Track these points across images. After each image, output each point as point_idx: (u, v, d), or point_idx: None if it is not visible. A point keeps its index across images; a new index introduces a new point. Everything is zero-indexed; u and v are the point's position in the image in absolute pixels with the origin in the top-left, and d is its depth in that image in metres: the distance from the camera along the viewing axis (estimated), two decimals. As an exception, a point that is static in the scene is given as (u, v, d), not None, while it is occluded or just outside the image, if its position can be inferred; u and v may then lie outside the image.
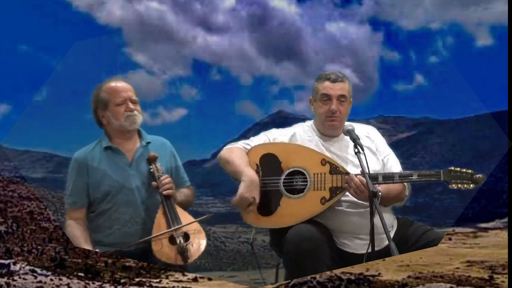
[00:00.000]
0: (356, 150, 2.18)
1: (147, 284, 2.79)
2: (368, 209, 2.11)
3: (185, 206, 2.55)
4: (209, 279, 2.95)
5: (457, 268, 3.13)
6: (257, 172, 2.37)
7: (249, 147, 2.44)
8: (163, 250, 2.35)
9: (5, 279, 2.59)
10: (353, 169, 2.28)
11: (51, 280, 2.68)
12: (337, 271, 2.61)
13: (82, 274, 2.87)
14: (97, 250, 2.44)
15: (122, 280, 2.82)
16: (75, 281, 2.70)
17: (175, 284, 2.80)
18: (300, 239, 2.16)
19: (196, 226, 2.44)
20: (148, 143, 2.58)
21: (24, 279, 2.66)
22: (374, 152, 2.41)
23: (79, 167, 2.50)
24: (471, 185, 2.18)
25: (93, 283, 2.70)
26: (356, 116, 2.45)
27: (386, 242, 2.13)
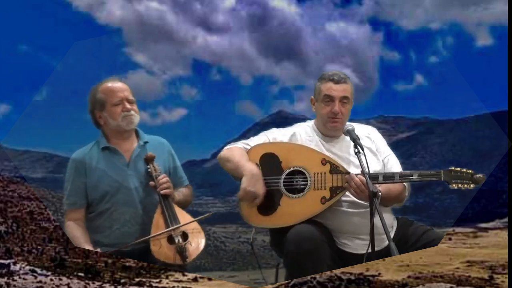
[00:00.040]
0: (356, 150, 2.19)
1: (147, 284, 2.78)
2: (369, 209, 2.11)
3: (184, 205, 2.56)
4: (209, 279, 2.95)
5: (457, 268, 3.13)
6: None
7: (249, 147, 2.44)
8: (162, 250, 2.35)
9: (5, 279, 2.59)
10: (354, 170, 2.28)
11: (51, 280, 2.68)
12: (337, 271, 2.61)
13: (82, 274, 2.87)
14: (98, 250, 2.43)
15: (122, 280, 2.82)
16: (75, 281, 2.69)
17: (175, 284, 2.80)
18: (300, 239, 2.16)
19: (195, 225, 2.44)
20: (145, 142, 2.58)
21: (24, 279, 2.66)
22: (374, 152, 2.41)
23: (77, 167, 2.50)
24: (471, 185, 2.18)
25: (93, 283, 2.70)
26: (356, 116, 2.45)
27: (386, 242, 2.13)
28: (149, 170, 2.48)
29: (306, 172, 2.32)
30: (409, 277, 2.90)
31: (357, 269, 2.68)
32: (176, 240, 2.35)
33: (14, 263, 2.88)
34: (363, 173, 2.14)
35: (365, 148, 2.21)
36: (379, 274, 2.88)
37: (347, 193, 2.26)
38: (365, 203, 2.20)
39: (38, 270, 2.83)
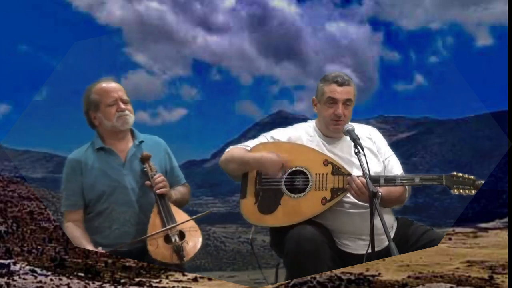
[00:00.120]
0: (356, 150, 2.18)
1: (147, 284, 2.78)
2: (369, 210, 2.11)
3: (181, 204, 2.56)
4: (209, 279, 2.94)
5: (457, 268, 3.13)
6: (259, 170, 2.38)
7: (248, 148, 2.44)
8: (159, 249, 2.35)
9: (5, 279, 2.59)
10: (356, 171, 2.28)
11: (51, 280, 2.67)
12: (337, 271, 2.61)
13: (82, 274, 2.87)
14: (100, 249, 2.43)
15: (122, 280, 2.82)
16: (75, 281, 2.69)
17: (175, 284, 2.79)
18: (300, 240, 2.16)
19: (192, 224, 2.44)
20: (141, 142, 2.58)
21: (24, 279, 2.66)
22: (375, 153, 2.40)
23: (73, 168, 2.51)
24: (473, 191, 2.18)
25: (93, 283, 2.70)
26: (356, 116, 2.44)
27: (386, 243, 2.13)
28: (145, 169, 2.48)
29: (307, 173, 2.31)
30: (409, 277, 2.90)
31: (357, 269, 2.67)
32: (173, 240, 2.35)
33: (14, 263, 2.88)
34: (364, 174, 2.14)
35: (365, 149, 2.21)
36: (379, 274, 2.88)
37: (348, 194, 2.26)
38: (366, 204, 2.20)
39: (38, 270, 2.83)
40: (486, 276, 2.95)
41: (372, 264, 2.71)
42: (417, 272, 2.95)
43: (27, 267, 2.85)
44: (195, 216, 2.47)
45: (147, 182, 2.45)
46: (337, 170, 2.28)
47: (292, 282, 2.53)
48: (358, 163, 2.17)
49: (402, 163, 2.45)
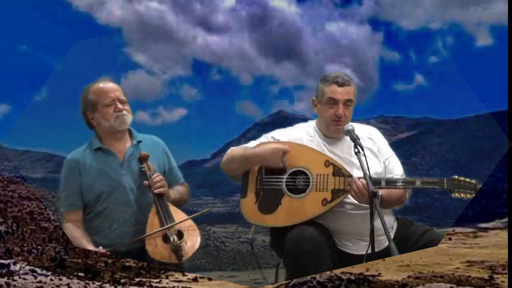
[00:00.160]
0: (356, 150, 2.18)
1: (147, 284, 2.78)
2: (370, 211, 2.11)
3: (180, 203, 2.56)
4: (209, 279, 2.94)
5: (457, 268, 3.12)
6: (260, 170, 2.37)
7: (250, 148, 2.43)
8: (157, 249, 2.35)
9: (5, 279, 2.59)
10: (356, 171, 2.27)
11: (51, 280, 2.67)
12: (337, 271, 2.61)
13: (82, 274, 2.86)
14: (101, 248, 2.43)
15: (122, 280, 2.82)
16: (75, 281, 2.69)
17: (175, 284, 2.79)
18: (300, 240, 2.16)
19: (190, 223, 2.44)
20: (139, 142, 2.58)
21: (24, 279, 2.65)
22: (375, 154, 2.40)
23: (72, 169, 2.51)
24: (474, 195, 2.18)
25: (93, 283, 2.69)
26: (356, 116, 2.44)
27: (386, 243, 2.13)
28: (143, 169, 2.48)
29: (308, 173, 2.31)
30: (409, 277, 2.90)
31: (357, 269, 2.67)
32: (171, 239, 2.35)
33: (14, 263, 2.88)
34: (364, 174, 2.14)
35: (366, 149, 2.21)
36: (379, 274, 2.88)
37: (349, 195, 2.26)
38: (367, 205, 2.19)
39: (38, 270, 2.82)
40: (486, 276, 2.95)
41: (372, 264, 2.71)
42: (417, 272, 2.95)
43: (27, 267, 2.85)
44: (193, 215, 2.47)
45: (145, 182, 2.45)
46: (338, 171, 2.28)
47: (292, 282, 2.53)
48: (358, 163, 2.17)
49: (402, 163, 2.45)
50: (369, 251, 2.13)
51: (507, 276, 2.91)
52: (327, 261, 2.21)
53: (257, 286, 2.70)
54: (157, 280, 2.84)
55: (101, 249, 2.40)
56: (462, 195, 2.17)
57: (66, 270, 2.98)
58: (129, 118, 2.52)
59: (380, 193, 2.20)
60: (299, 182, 2.32)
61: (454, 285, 2.73)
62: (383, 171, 2.36)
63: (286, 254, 2.21)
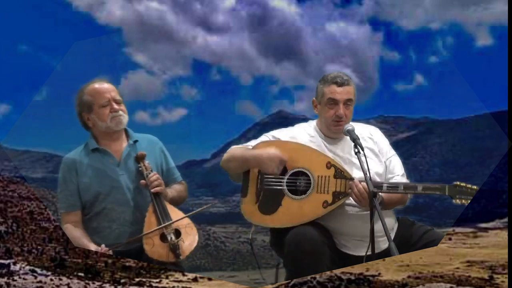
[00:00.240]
0: (356, 150, 2.18)
1: (147, 284, 2.78)
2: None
3: (178, 202, 2.55)
4: (209, 279, 2.94)
5: (457, 268, 3.12)
6: (259, 168, 2.37)
7: (250, 147, 2.43)
8: (155, 248, 2.34)
9: (5, 279, 2.59)
10: (357, 171, 2.27)
11: (51, 280, 2.67)
12: (337, 271, 2.61)
13: (82, 274, 2.86)
14: (102, 246, 2.42)
15: (122, 280, 2.82)
16: (75, 281, 2.69)
17: (175, 284, 2.79)
18: (301, 240, 2.16)
19: (188, 222, 2.43)
20: (135, 141, 2.58)
21: (24, 279, 2.65)
22: (376, 154, 2.39)
23: (69, 169, 2.50)
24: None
25: (93, 283, 2.70)
26: (356, 116, 2.43)
27: (386, 245, 2.12)
28: (140, 169, 2.48)
29: (310, 174, 2.30)
30: (409, 277, 2.90)
31: (357, 269, 2.67)
32: (169, 238, 2.35)
33: (14, 263, 2.88)
34: (364, 174, 2.14)
35: (367, 149, 2.21)
36: (379, 274, 2.88)
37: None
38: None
39: (38, 270, 2.82)
40: (486, 276, 2.95)
41: (372, 264, 2.71)
42: (417, 272, 2.95)
43: (27, 267, 2.85)
44: (190, 213, 2.47)
45: (142, 181, 2.44)
46: (339, 173, 2.27)
47: (292, 282, 2.53)
48: (358, 163, 2.17)
49: (402, 163, 2.44)
50: (369, 252, 2.13)
51: (507, 276, 2.91)
52: (327, 261, 2.21)
53: (257, 286, 2.70)
54: (157, 280, 2.84)
55: (103, 247, 2.40)
56: (463, 201, 2.17)
57: (66, 270, 2.98)
58: (125, 118, 2.51)
59: (380, 195, 2.20)
60: (300, 183, 2.31)
61: (454, 285, 2.73)
62: (384, 171, 2.36)
63: (286, 254, 2.21)
